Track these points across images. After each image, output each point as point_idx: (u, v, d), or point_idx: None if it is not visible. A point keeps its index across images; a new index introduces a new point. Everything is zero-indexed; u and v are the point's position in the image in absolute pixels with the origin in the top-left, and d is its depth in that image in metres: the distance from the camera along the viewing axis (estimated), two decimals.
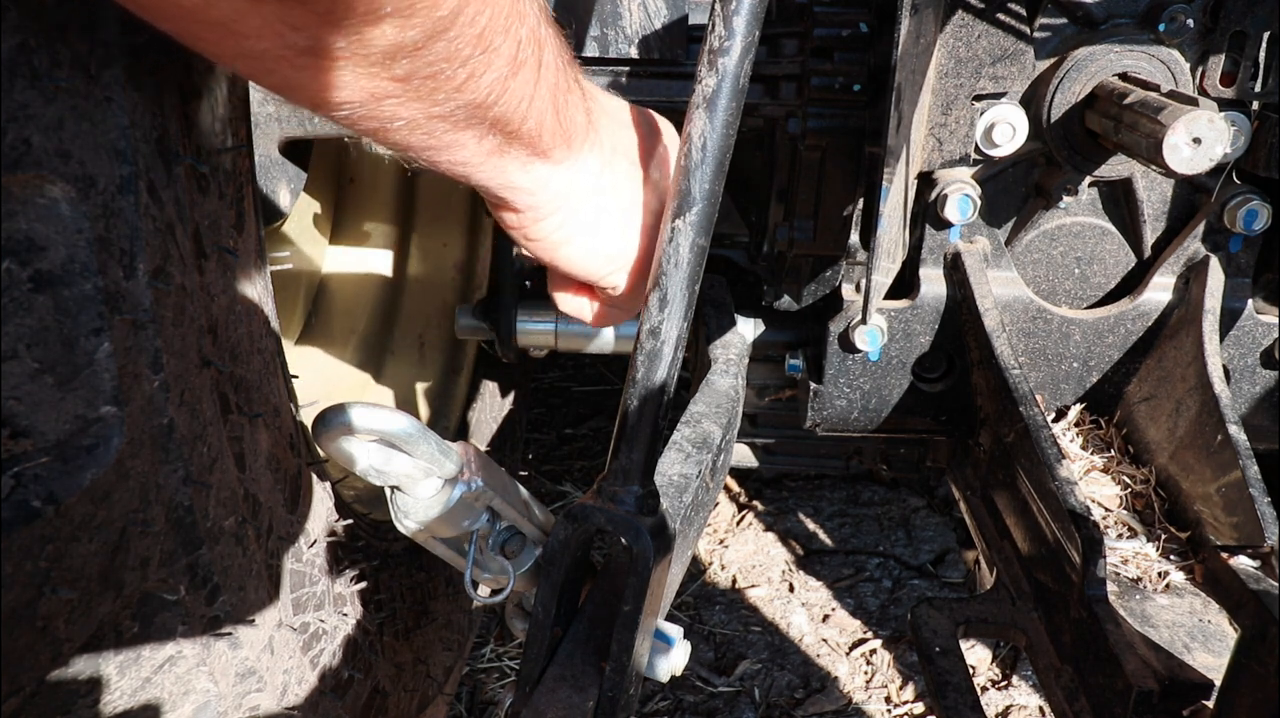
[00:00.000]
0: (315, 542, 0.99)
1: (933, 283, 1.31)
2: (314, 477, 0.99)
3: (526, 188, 0.87)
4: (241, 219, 0.81)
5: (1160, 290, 1.31)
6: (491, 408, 1.91)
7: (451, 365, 1.89)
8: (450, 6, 0.63)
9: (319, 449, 0.90)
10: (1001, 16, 1.18)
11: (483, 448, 1.43)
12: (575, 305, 1.08)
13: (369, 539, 1.16)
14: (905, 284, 1.33)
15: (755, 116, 1.34)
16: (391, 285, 1.89)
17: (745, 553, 2.46)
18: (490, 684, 2.10)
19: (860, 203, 1.32)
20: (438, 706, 1.39)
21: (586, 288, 1.05)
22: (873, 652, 2.19)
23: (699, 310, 1.44)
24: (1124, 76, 1.18)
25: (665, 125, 1.05)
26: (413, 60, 0.65)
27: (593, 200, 0.93)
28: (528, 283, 1.62)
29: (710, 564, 2.43)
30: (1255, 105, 1.20)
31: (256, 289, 0.85)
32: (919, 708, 2.05)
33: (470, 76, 0.70)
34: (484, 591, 0.94)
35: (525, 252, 0.97)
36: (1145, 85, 1.14)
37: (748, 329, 1.50)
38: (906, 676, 2.14)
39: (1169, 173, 1.03)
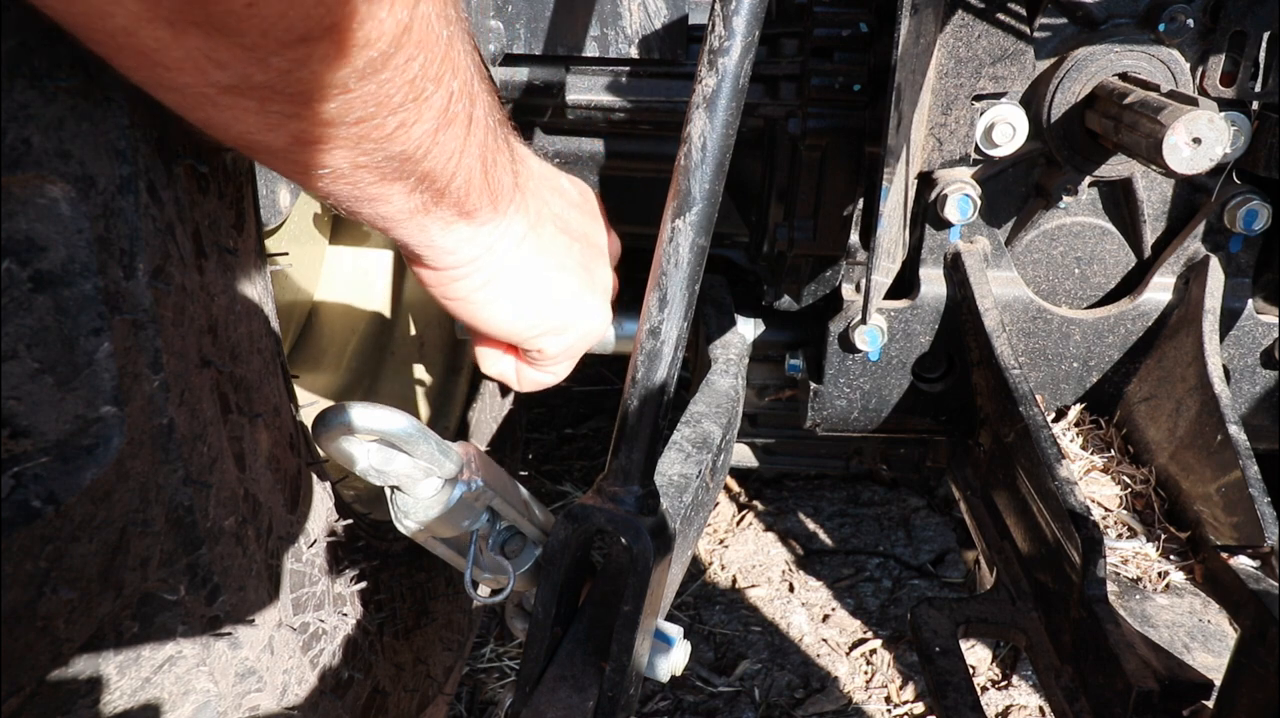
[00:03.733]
0: (315, 542, 0.99)
1: (933, 283, 1.31)
2: (314, 477, 0.99)
3: (446, 247, 0.85)
4: (241, 219, 0.81)
5: (1160, 290, 1.31)
6: (491, 408, 1.91)
7: (451, 365, 1.89)
8: (381, 48, 0.60)
9: (319, 449, 0.90)
10: (1001, 16, 1.18)
11: (483, 448, 1.43)
12: (499, 368, 1.05)
13: (369, 539, 1.16)
14: (905, 284, 1.33)
15: (755, 116, 1.34)
16: (392, 285, 1.89)
17: (745, 553, 2.46)
18: (490, 684, 2.10)
19: (860, 203, 1.32)
20: (438, 706, 1.39)
21: (513, 348, 1.03)
22: (873, 652, 2.19)
23: (699, 310, 1.44)
24: (1124, 76, 1.18)
25: (589, 193, 1.03)
26: (341, 104, 0.62)
27: (516, 264, 0.91)
28: None
29: (710, 564, 2.43)
30: (1255, 105, 1.20)
31: (256, 289, 0.85)
32: (919, 708, 2.05)
33: (401, 126, 0.67)
34: (484, 591, 0.94)
35: (445, 309, 0.94)
36: (1145, 85, 1.14)
37: (748, 329, 1.50)
38: (906, 676, 2.14)
39: (1169, 173, 1.03)
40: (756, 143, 1.39)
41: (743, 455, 1.98)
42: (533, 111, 1.40)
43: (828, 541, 2.52)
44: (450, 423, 1.84)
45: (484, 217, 0.85)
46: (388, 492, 0.83)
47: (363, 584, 1.10)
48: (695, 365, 1.49)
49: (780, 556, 2.46)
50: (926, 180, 1.27)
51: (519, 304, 0.94)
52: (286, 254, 1.58)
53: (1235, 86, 1.20)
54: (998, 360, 1.23)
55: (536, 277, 0.94)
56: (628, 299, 1.53)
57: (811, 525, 2.56)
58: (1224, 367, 1.28)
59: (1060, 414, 1.38)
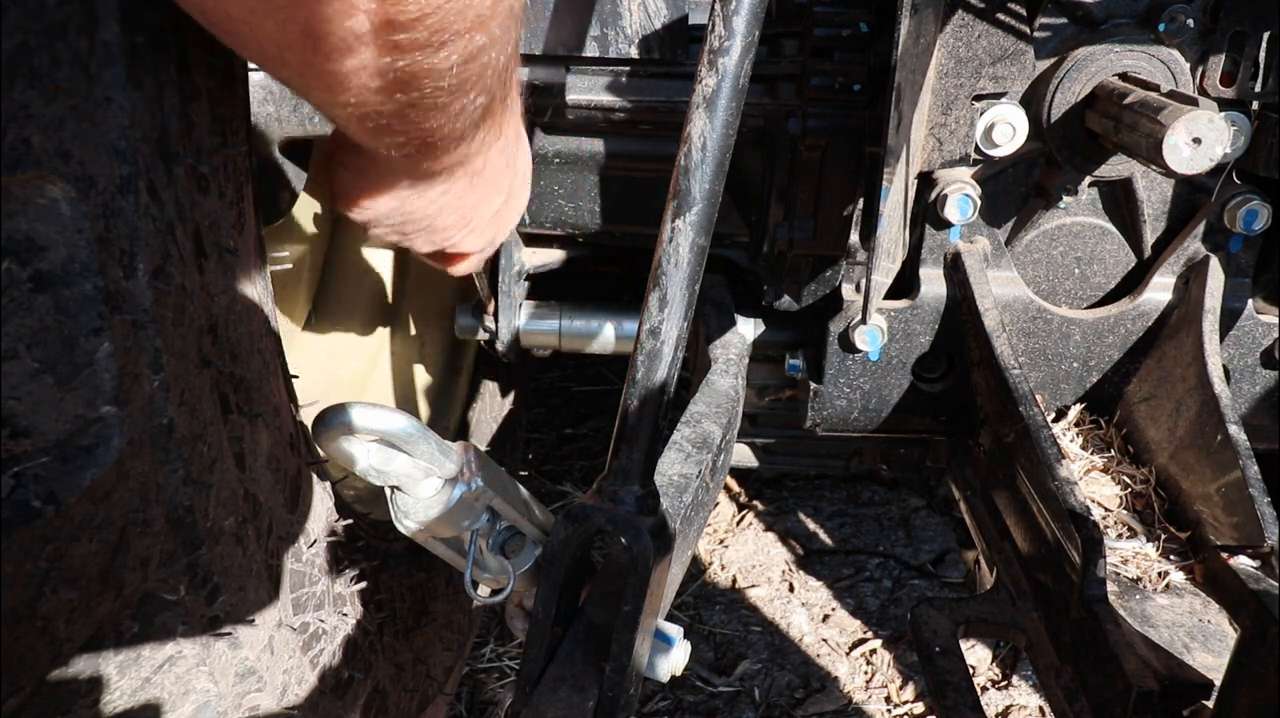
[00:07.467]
0: (315, 542, 0.99)
1: (933, 283, 1.31)
2: (314, 477, 0.99)
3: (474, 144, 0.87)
4: (241, 219, 0.81)
5: (1160, 290, 1.31)
6: (491, 408, 1.91)
7: (451, 365, 1.89)
8: None
9: (319, 449, 0.89)
10: (1001, 16, 1.18)
11: (483, 448, 1.43)
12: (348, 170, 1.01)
13: (369, 539, 1.16)
14: (905, 284, 1.33)
15: (755, 117, 1.34)
16: (391, 285, 1.89)
17: (745, 553, 2.46)
18: (490, 684, 2.10)
19: (860, 203, 1.32)
20: (438, 706, 1.39)
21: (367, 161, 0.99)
22: (873, 652, 2.19)
23: (699, 310, 1.44)
24: (1124, 76, 1.18)
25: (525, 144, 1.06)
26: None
27: (491, 170, 0.95)
28: (528, 282, 1.62)
29: (710, 564, 2.43)
30: (1255, 105, 1.20)
31: (256, 289, 0.85)
32: (919, 708, 2.05)
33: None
34: (484, 591, 0.94)
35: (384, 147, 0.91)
36: (1145, 85, 1.14)
37: (748, 329, 1.50)
38: (906, 676, 2.14)
39: (1169, 173, 1.03)
40: (756, 143, 1.39)
41: (743, 455, 1.98)
42: (533, 111, 1.40)
43: (828, 541, 2.52)
44: (450, 423, 1.84)
45: (498, 116, 0.88)
46: (388, 492, 0.83)
47: (363, 584, 1.10)
48: (695, 365, 1.49)
49: (780, 556, 2.46)
50: (926, 180, 1.27)
51: (472, 210, 1.00)
52: (287, 254, 1.58)
53: (1235, 86, 1.20)
54: (998, 360, 1.23)
55: (493, 187, 0.99)
56: (627, 299, 1.52)
57: (811, 525, 2.56)
58: (1224, 367, 1.28)
59: (1060, 414, 1.38)
